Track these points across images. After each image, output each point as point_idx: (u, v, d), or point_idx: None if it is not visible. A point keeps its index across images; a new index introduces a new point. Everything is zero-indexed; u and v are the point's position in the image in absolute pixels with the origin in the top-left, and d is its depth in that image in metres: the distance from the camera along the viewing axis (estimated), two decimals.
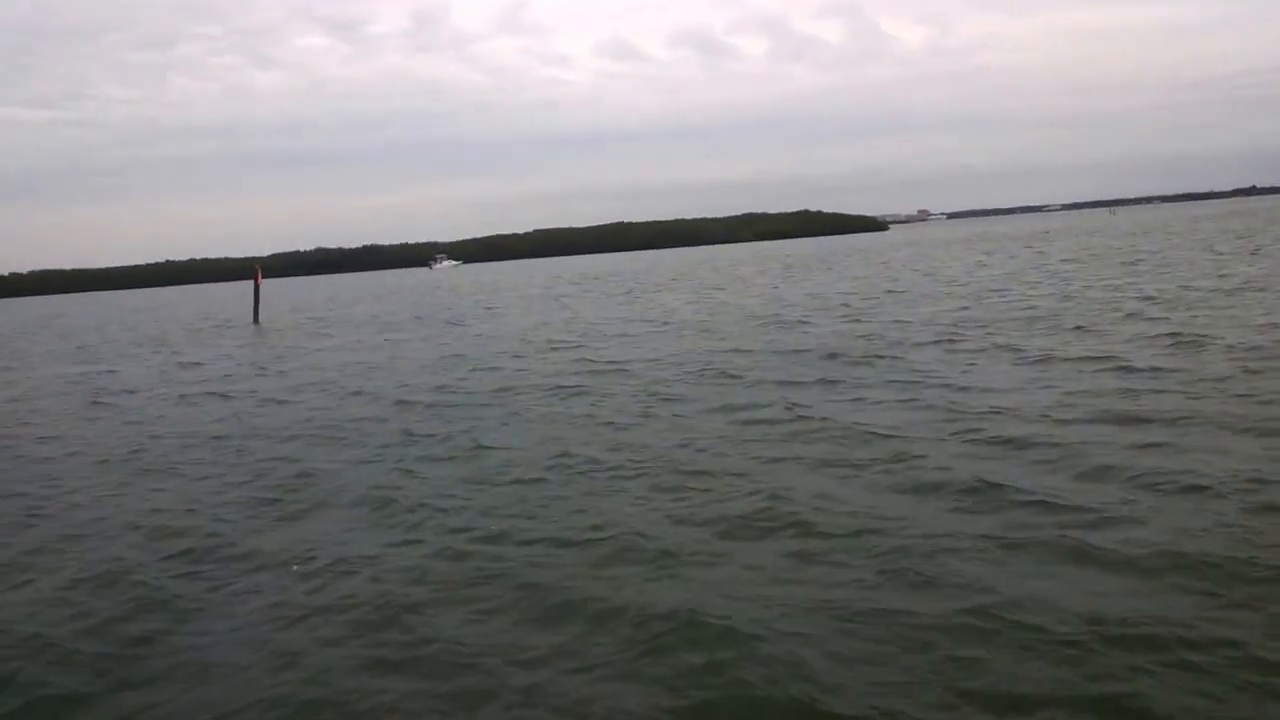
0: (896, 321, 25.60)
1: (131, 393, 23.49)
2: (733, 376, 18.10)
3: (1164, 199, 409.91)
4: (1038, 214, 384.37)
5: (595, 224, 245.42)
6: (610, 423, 14.54)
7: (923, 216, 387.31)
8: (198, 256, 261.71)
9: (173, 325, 54.57)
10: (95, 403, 22.02)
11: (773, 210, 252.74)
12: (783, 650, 6.37)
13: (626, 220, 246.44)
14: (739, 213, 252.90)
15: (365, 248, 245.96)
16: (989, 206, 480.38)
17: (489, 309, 47.62)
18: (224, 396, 21.20)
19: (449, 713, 6.03)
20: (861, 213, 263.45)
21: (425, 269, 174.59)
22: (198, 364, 29.78)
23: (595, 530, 9.20)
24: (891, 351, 19.64)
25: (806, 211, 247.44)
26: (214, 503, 11.54)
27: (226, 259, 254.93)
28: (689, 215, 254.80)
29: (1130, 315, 22.59)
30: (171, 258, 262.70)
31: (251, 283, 52.20)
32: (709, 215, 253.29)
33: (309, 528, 10.18)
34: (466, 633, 7.13)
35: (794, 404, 14.74)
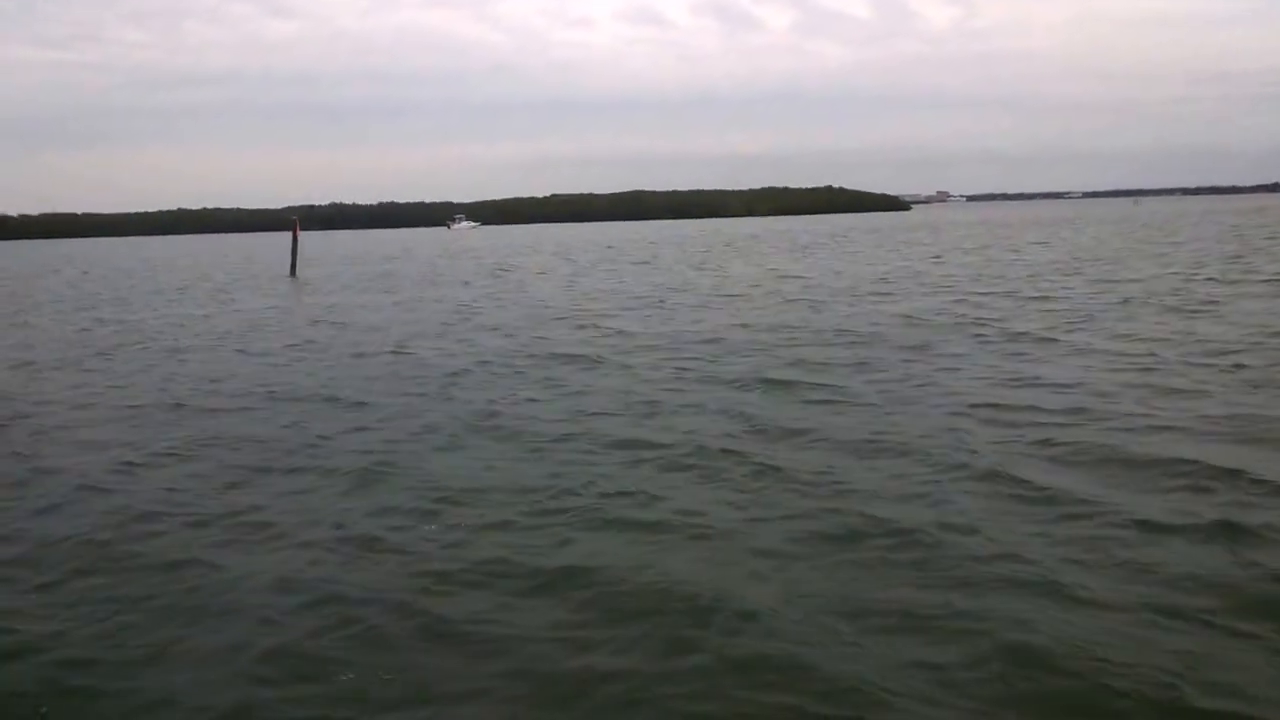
0: (955, 301, 25.06)
1: (170, 345, 22.93)
2: (797, 363, 17.28)
3: (1185, 191, 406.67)
4: (1058, 200, 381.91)
5: (613, 191, 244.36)
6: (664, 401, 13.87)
7: (942, 198, 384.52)
8: (210, 206, 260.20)
9: (201, 276, 53.80)
10: (135, 351, 21.54)
11: (789, 185, 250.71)
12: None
13: (645, 189, 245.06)
14: (756, 186, 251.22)
15: (381, 205, 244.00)
16: (1009, 191, 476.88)
17: (511, 271, 47.06)
18: (276, 351, 20.66)
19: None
20: (880, 191, 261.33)
21: (443, 229, 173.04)
22: (245, 317, 29.01)
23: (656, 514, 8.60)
24: (943, 335, 19.07)
25: (830, 188, 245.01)
26: (273, 466, 10.91)
27: (240, 209, 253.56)
28: (705, 186, 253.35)
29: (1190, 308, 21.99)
30: (184, 206, 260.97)
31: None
32: (726, 187, 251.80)
33: (374, 494, 9.55)
34: (507, 615, 6.69)
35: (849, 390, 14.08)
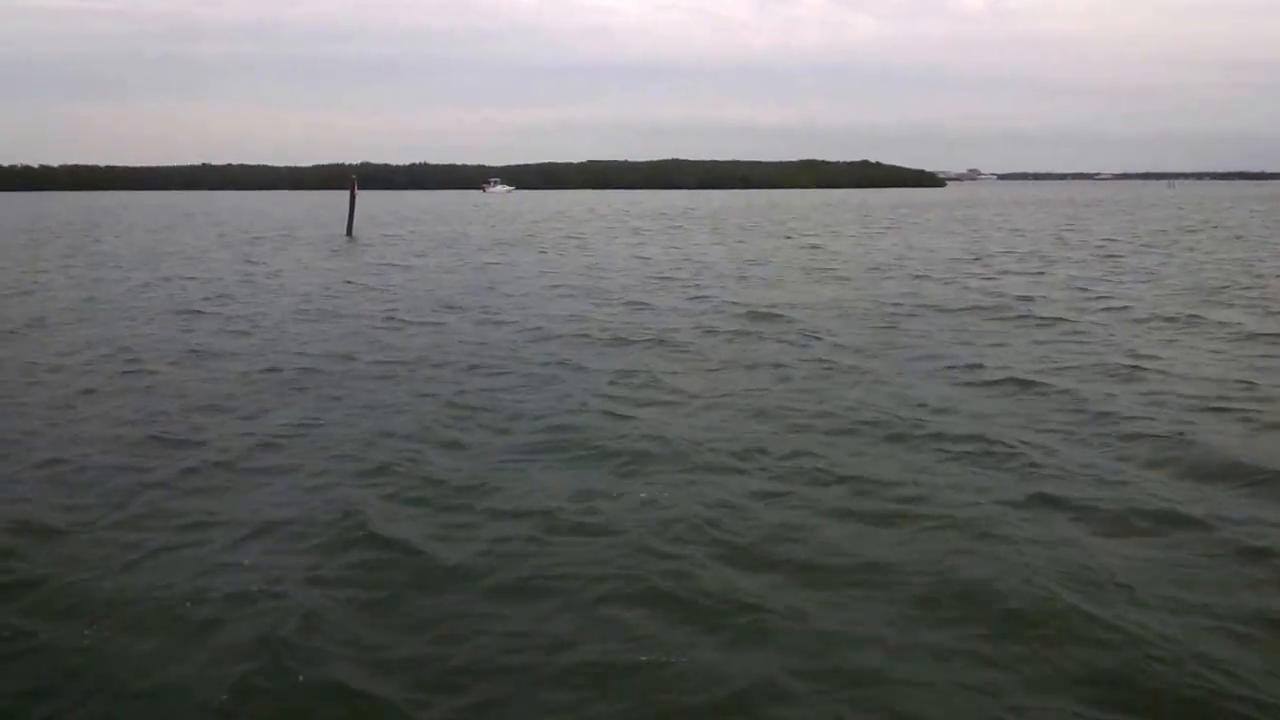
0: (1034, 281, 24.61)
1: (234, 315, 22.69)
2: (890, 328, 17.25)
3: (1214, 176, 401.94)
4: (1088, 181, 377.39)
5: (645, 159, 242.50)
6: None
7: (973, 176, 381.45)
8: (235, 162, 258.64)
9: (253, 235, 53.56)
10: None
11: (822, 158, 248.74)
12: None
13: (678, 157, 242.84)
14: (790, 158, 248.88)
15: (414, 166, 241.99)
16: (1039, 170, 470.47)
17: (571, 237, 46.65)
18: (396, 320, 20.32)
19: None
20: (910, 166, 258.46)
21: (478, 192, 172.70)
22: (320, 279, 28.73)
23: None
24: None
25: (865, 162, 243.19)
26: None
27: (265, 167, 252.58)
28: (737, 157, 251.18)
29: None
30: (209, 161, 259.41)
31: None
32: (758, 159, 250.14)
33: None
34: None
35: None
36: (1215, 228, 51.86)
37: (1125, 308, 19.74)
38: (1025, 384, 12.53)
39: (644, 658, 5.74)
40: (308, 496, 8.49)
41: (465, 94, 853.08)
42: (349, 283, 26.29)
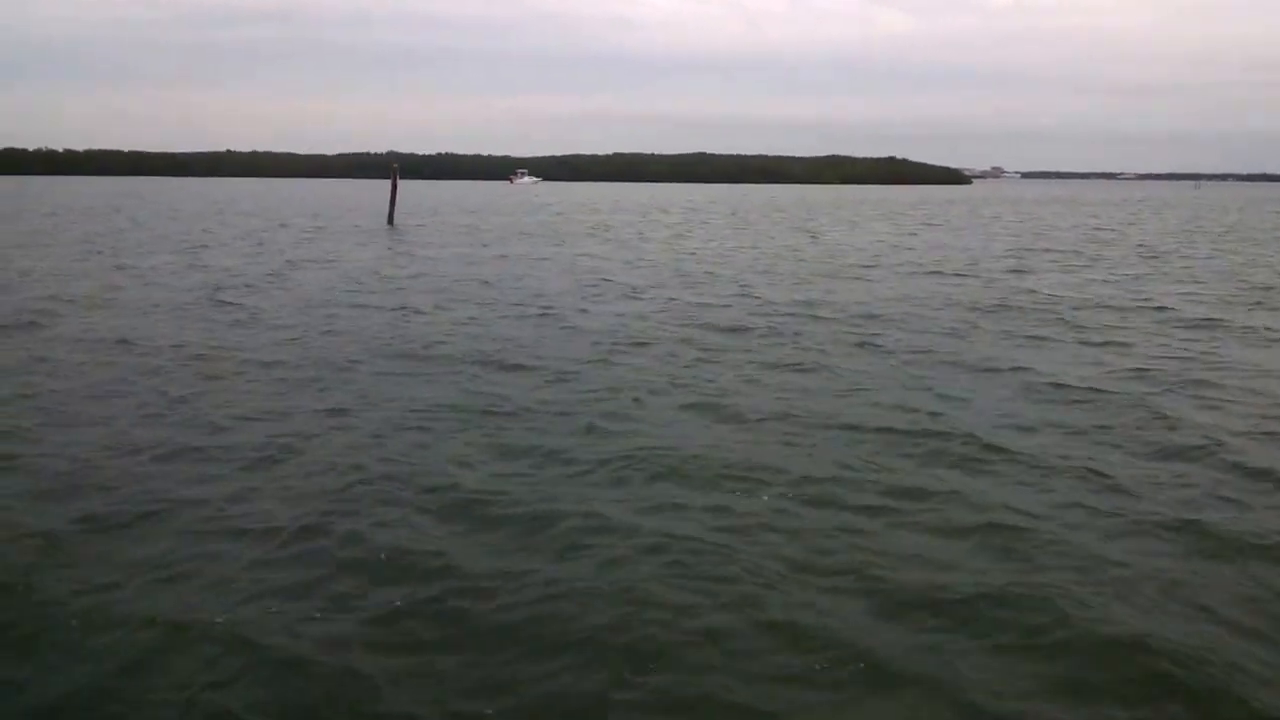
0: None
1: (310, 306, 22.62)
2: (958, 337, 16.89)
3: (1238, 177, 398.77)
4: (1111, 181, 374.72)
5: (672, 153, 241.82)
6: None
7: (996, 173, 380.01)
8: (260, 149, 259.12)
9: (284, 223, 53.42)
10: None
11: (847, 153, 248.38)
12: None
13: (704, 151, 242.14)
14: (813, 154, 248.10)
15: (440, 155, 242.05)
16: (1062, 169, 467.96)
17: (606, 230, 46.28)
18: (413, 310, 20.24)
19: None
20: (933, 163, 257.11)
21: (505, 183, 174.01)
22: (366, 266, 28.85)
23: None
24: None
25: (892, 159, 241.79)
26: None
27: (291, 154, 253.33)
28: (762, 152, 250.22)
29: None
30: (233, 148, 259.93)
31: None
32: (782, 153, 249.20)
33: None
34: None
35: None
36: (1252, 228, 51.50)
37: (1179, 309, 19.53)
38: (1096, 391, 12.20)
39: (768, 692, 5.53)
40: (358, 505, 8.09)
41: (491, 84, 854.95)
42: (386, 274, 26.06)
